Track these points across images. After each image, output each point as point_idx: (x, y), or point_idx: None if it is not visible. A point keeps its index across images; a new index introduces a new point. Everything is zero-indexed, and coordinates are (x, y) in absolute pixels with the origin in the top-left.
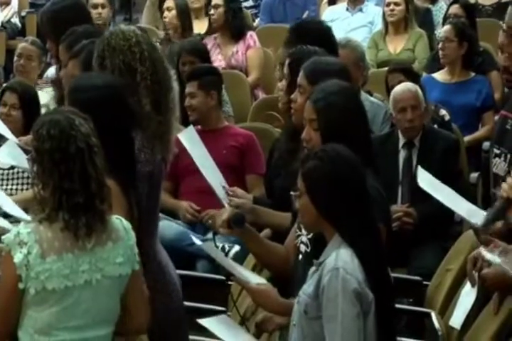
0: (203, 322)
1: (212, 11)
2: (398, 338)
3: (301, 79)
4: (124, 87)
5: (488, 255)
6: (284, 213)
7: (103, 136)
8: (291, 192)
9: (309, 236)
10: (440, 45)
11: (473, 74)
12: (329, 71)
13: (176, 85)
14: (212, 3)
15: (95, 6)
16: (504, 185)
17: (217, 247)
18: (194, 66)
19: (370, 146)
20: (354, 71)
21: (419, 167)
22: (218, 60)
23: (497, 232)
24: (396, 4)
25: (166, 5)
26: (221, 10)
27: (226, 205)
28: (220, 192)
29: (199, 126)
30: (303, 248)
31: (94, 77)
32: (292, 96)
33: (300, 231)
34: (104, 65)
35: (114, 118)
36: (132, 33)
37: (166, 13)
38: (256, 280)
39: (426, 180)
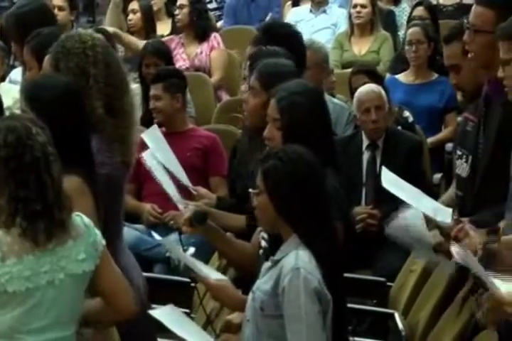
0: (154, 313)
1: (177, 11)
2: (362, 339)
3: (253, 81)
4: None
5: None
6: (237, 215)
7: (62, 135)
8: (250, 190)
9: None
10: (413, 48)
11: (436, 75)
12: (281, 73)
13: (136, 87)
14: (178, 3)
15: (53, 8)
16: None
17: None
18: (159, 68)
19: (332, 146)
20: (317, 72)
21: (384, 167)
22: (182, 60)
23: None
24: (362, 6)
25: (130, 7)
26: (186, 10)
27: (180, 207)
28: (175, 195)
29: (163, 128)
30: (263, 243)
31: (52, 76)
32: (244, 96)
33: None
34: (59, 67)
35: (72, 117)
36: (89, 37)
37: (131, 16)
38: (216, 276)
39: (390, 180)
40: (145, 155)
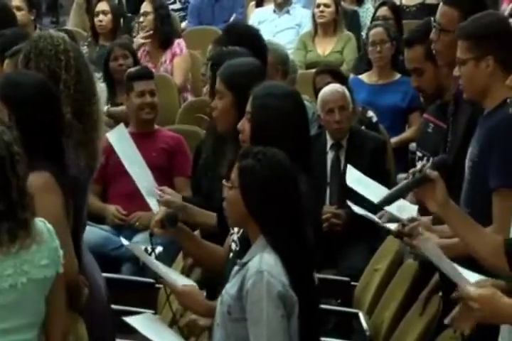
0: (130, 320)
1: (141, 19)
2: (327, 339)
3: (218, 84)
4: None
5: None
6: (213, 213)
7: (35, 132)
8: (223, 181)
9: (239, 235)
10: (377, 48)
11: (399, 75)
12: (243, 72)
13: (102, 85)
14: (142, 10)
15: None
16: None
17: (148, 250)
18: (129, 70)
19: (306, 150)
20: (273, 74)
21: (349, 165)
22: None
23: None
24: (326, 6)
25: (100, 8)
26: (150, 17)
27: (153, 207)
28: (148, 193)
29: (130, 128)
30: (233, 246)
31: (27, 74)
32: (212, 104)
33: (233, 229)
34: (30, 66)
35: (46, 114)
36: (61, 40)
37: (101, 17)
38: (182, 281)
39: (355, 178)
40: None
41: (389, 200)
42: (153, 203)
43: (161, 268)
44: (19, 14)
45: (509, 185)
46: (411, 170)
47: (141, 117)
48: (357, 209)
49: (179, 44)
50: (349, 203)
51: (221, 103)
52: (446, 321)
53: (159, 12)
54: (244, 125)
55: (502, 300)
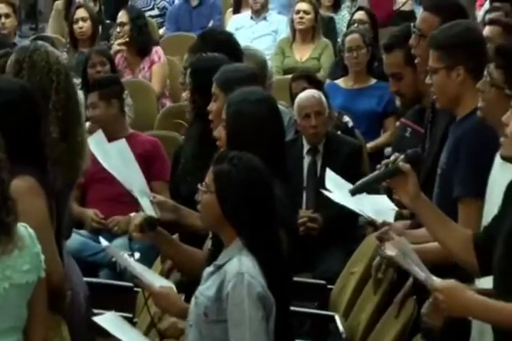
0: (98, 319)
1: (118, 29)
2: None
3: (214, 88)
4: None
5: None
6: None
7: (18, 137)
8: (198, 186)
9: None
10: (353, 54)
11: (374, 80)
12: (239, 78)
13: (80, 93)
14: (118, 21)
15: None
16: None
17: (132, 255)
18: (95, 78)
19: (281, 155)
20: None
21: (327, 168)
22: (127, 74)
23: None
24: (305, 12)
25: (79, 15)
26: (127, 28)
27: (145, 208)
28: (140, 193)
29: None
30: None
31: (9, 80)
32: (208, 107)
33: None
34: (22, 74)
35: (29, 119)
36: (55, 60)
37: (81, 24)
38: (160, 282)
39: (333, 182)
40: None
41: (360, 189)
42: (145, 204)
43: (138, 269)
44: (7, 21)
45: (471, 194)
46: (384, 161)
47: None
48: (333, 196)
49: (157, 51)
50: (325, 192)
51: (216, 106)
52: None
53: (135, 22)
54: (220, 132)
55: (465, 292)
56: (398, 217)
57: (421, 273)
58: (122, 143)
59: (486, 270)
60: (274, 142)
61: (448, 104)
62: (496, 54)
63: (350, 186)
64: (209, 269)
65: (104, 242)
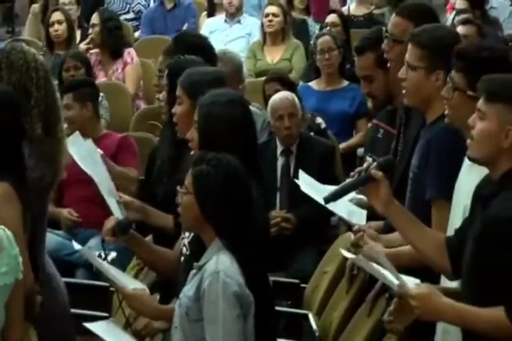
0: (90, 326)
1: (90, 30)
2: (277, 339)
3: (178, 91)
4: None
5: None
6: (168, 215)
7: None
8: (178, 188)
9: (189, 239)
10: (325, 56)
11: (346, 82)
12: (205, 81)
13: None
14: (90, 22)
15: None
16: None
17: (102, 256)
18: (71, 79)
19: (254, 156)
20: (230, 83)
21: (300, 170)
22: (101, 76)
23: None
24: (274, 15)
25: (55, 18)
26: (97, 29)
27: (113, 209)
28: (108, 194)
29: None
30: (184, 250)
31: None
32: (173, 110)
33: (184, 234)
34: (1, 75)
35: (8, 124)
36: (32, 57)
37: (56, 26)
38: (133, 285)
39: (307, 183)
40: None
41: (334, 197)
42: (112, 204)
43: (112, 272)
44: None
45: (443, 196)
46: (357, 169)
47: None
48: (304, 188)
49: (129, 53)
50: (297, 181)
51: (180, 109)
52: (384, 318)
53: (106, 24)
54: (192, 134)
55: (439, 299)
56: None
57: (392, 278)
58: (89, 143)
59: (459, 273)
60: (246, 143)
61: (418, 103)
62: (456, 57)
63: (323, 186)
64: (193, 271)
65: (76, 245)
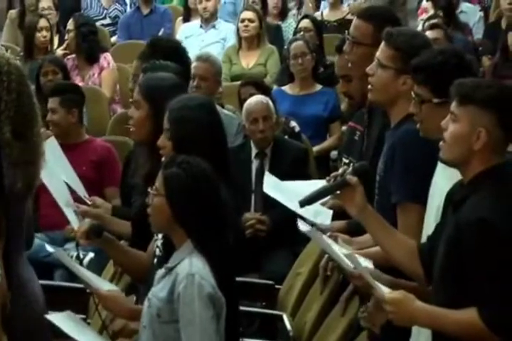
0: (50, 317)
1: (66, 36)
2: (251, 340)
3: (136, 94)
4: None
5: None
6: (127, 222)
7: None
8: (148, 189)
9: (162, 241)
10: (299, 60)
11: (320, 86)
12: (163, 86)
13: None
14: (67, 27)
15: None
16: None
17: (75, 257)
18: (58, 82)
19: (224, 158)
20: (213, 84)
21: (267, 172)
22: (78, 81)
23: (339, 231)
24: (250, 21)
25: (43, 24)
26: (72, 34)
27: (70, 218)
28: (66, 204)
29: (59, 140)
30: (157, 252)
31: None
32: (129, 112)
33: (157, 235)
34: None
35: None
36: (5, 61)
37: (45, 33)
38: (107, 287)
39: (272, 184)
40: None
41: (309, 201)
42: (69, 214)
43: (86, 274)
44: None
45: (409, 198)
46: (333, 174)
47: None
48: (268, 189)
49: (106, 58)
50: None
51: (137, 113)
52: (361, 315)
53: (81, 30)
54: (164, 142)
55: (413, 303)
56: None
57: (346, 260)
58: (60, 156)
59: (432, 279)
60: (217, 146)
61: (382, 101)
62: (413, 72)
63: (292, 188)
64: (161, 272)
65: (50, 248)
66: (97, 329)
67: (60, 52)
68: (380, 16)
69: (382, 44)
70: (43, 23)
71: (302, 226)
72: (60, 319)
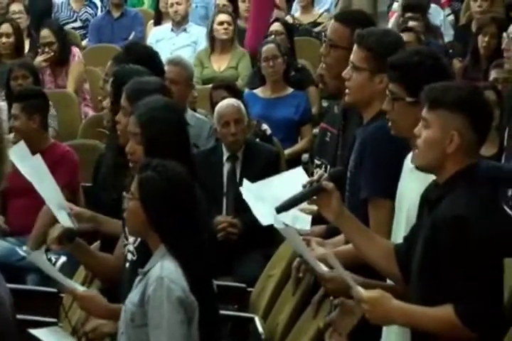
0: (35, 332)
1: (46, 49)
2: None
3: (123, 100)
4: None
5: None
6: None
7: None
8: (124, 193)
9: (135, 245)
10: (270, 63)
11: (291, 89)
12: (149, 90)
13: (3, 104)
14: (44, 39)
15: None
16: None
17: (49, 261)
18: (23, 87)
19: (190, 160)
20: (185, 88)
21: (245, 180)
22: (50, 82)
23: (319, 236)
24: (228, 23)
25: (3, 30)
26: (54, 44)
27: (61, 221)
28: (57, 207)
29: None
30: (129, 256)
31: None
32: (117, 117)
33: (127, 240)
34: None
35: None
36: None
37: (4, 39)
38: (82, 288)
39: (251, 192)
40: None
41: (286, 207)
42: (62, 217)
43: (61, 275)
44: None
45: (379, 194)
46: (309, 179)
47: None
48: (247, 196)
49: (73, 51)
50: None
51: (125, 119)
52: (327, 320)
53: (58, 35)
54: (133, 147)
55: (389, 302)
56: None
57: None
58: (38, 158)
59: (409, 280)
60: (185, 146)
61: (359, 103)
62: (389, 69)
63: (270, 193)
64: (139, 277)
65: (22, 252)
66: (69, 332)
67: (43, 64)
68: (356, 19)
69: (355, 46)
70: (4, 29)
71: (278, 224)
72: (44, 334)
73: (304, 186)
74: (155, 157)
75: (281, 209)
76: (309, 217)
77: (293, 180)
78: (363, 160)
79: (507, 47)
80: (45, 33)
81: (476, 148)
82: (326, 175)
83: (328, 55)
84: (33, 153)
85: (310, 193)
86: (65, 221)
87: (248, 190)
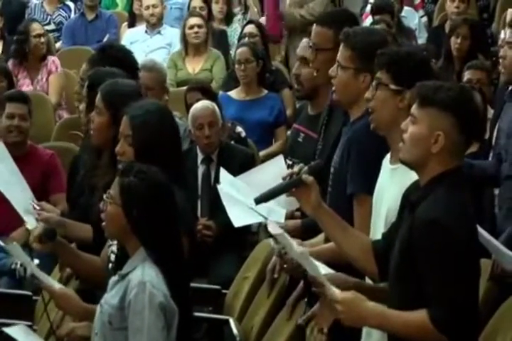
0: (9, 330)
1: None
2: None
3: (98, 100)
4: None
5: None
6: (88, 226)
7: None
8: (104, 196)
9: (118, 246)
10: (241, 67)
11: (266, 91)
12: (124, 92)
13: None
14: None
15: None
16: None
17: (19, 264)
18: (7, 91)
19: (180, 163)
20: (160, 92)
21: (222, 169)
22: (26, 85)
23: (293, 230)
24: (199, 27)
25: None
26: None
27: (29, 225)
28: (25, 211)
29: None
30: (113, 257)
31: None
32: (90, 115)
33: (111, 241)
34: None
35: None
36: None
37: None
38: (59, 286)
39: (228, 182)
40: None
41: (265, 198)
42: (30, 221)
43: (40, 271)
44: None
45: (365, 190)
46: (289, 172)
47: (8, 139)
48: (225, 189)
49: (54, 62)
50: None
51: (98, 119)
52: (300, 321)
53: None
54: (124, 148)
55: (363, 304)
56: (289, 216)
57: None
58: (10, 162)
59: (385, 276)
60: (177, 150)
61: (345, 101)
62: (378, 56)
63: (246, 186)
64: (114, 278)
65: (1, 243)
66: (44, 335)
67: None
68: (340, 20)
69: (341, 45)
70: None
71: (272, 229)
72: (16, 331)
73: (284, 178)
74: (145, 160)
75: (260, 200)
76: (284, 211)
77: (273, 170)
78: (349, 157)
79: (503, 54)
80: (37, 25)
81: (462, 149)
82: (305, 168)
83: (315, 60)
84: (19, 153)
85: (289, 185)
86: (32, 226)
87: (225, 182)
